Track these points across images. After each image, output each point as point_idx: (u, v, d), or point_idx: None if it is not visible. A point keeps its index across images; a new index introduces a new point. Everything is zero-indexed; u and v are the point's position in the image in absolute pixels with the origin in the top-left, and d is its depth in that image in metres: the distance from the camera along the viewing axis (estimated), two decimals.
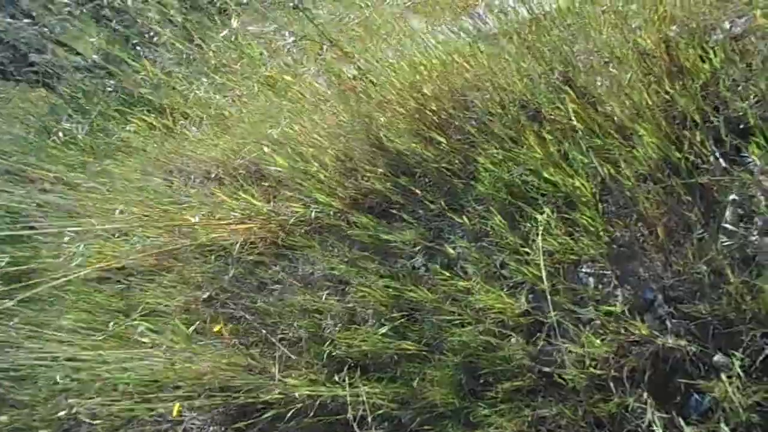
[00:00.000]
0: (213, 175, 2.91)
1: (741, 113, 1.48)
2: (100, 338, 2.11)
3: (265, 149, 2.18)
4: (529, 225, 1.76)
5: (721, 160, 1.51)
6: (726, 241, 1.44)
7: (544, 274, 1.61)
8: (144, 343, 1.97)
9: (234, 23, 2.29)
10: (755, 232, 1.45)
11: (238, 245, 2.38)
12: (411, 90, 2.07)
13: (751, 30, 1.55)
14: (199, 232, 2.39)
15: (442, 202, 1.97)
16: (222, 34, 2.55)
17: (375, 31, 2.31)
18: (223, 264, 2.57)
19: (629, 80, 1.67)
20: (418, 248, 2.03)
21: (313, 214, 2.23)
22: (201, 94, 2.76)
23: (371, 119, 2.14)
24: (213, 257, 2.49)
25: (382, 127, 2.10)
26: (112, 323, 2.16)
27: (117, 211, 2.64)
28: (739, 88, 1.50)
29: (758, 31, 1.52)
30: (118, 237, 2.68)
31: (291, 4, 2.09)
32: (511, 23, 2.03)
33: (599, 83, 1.79)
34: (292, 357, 2.05)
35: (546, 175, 1.70)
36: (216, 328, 2.14)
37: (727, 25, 1.64)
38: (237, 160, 2.58)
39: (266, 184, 2.54)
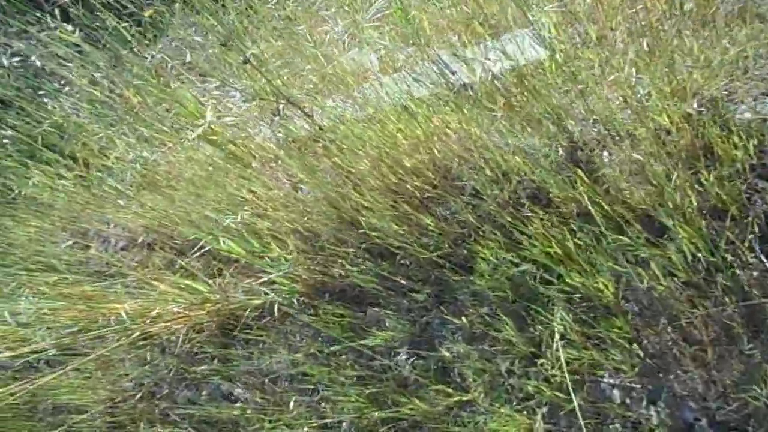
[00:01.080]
0: (140, 241, 2.47)
1: None
2: None
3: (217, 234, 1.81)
4: (540, 328, 1.51)
5: (763, 258, 1.33)
6: None
7: (569, 389, 1.37)
8: None
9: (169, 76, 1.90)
10: None
11: (180, 339, 1.99)
12: (386, 159, 1.77)
13: None
14: (130, 326, 1.97)
15: (431, 293, 1.69)
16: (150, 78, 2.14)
17: (338, 83, 2.00)
18: (159, 353, 2.16)
19: (649, 163, 1.47)
20: (401, 344, 1.74)
21: (269, 302, 1.88)
22: (122, 147, 2.32)
23: (339, 191, 1.82)
24: (147, 351, 2.08)
25: (350, 199, 1.79)
26: None
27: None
28: None
29: None
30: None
31: (241, 59, 1.73)
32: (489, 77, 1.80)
33: (610, 162, 1.58)
34: None
35: (560, 271, 1.46)
36: None
37: (752, 102, 1.47)
38: (174, 232, 2.18)
39: (212, 258, 2.15)
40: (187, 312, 1.95)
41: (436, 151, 1.76)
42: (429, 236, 1.71)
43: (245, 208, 1.92)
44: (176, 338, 2.02)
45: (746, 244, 1.34)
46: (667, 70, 1.55)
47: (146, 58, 1.91)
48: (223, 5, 2.00)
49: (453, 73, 1.97)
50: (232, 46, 1.75)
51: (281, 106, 1.90)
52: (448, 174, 1.75)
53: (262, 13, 2.23)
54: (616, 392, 1.46)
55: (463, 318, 1.57)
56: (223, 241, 1.76)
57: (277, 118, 1.89)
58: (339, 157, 1.85)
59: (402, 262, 1.77)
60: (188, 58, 1.89)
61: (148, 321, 1.91)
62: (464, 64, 1.85)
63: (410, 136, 1.77)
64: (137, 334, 1.96)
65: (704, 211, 1.40)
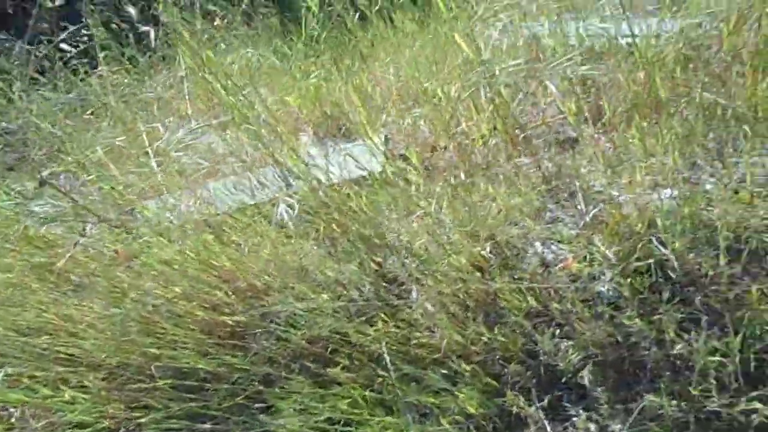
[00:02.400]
0: None
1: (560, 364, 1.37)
2: None
3: None
4: None
5: (540, 413, 1.38)
6: None
7: None
8: None
9: None
10: None
11: None
12: (199, 286, 1.69)
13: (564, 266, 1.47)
14: None
15: None
16: None
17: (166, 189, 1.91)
18: None
19: (447, 306, 1.50)
20: None
21: None
22: None
23: (147, 320, 1.71)
24: None
25: (156, 332, 1.68)
26: None
27: None
28: (555, 339, 1.40)
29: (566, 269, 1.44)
30: None
31: (38, 178, 1.60)
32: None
33: (417, 299, 1.60)
34: None
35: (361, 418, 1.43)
36: None
37: (539, 248, 1.56)
38: None
39: None
40: None
41: (250, 279, 1.71)
42: (240, 371, 1.63)
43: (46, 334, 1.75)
44: None
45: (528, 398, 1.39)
46: (467, 209, 1.61)
47: None
48: None
49: (288, 185, 1.96)
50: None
51: (89, 227, 1.77)
52: (262, 303, 1.70)
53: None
54: None
55: None
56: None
57: (82, 239, 1.75)
58: (152, 280, 1.75)
59: (209, 401, 1.67)
60: None
61: None
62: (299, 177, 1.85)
63: (224, 264, 1.70)
64: None
65: (495, 358, 1.45)
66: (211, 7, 2.23)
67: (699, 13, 1.77)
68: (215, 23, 2.20)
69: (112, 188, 1.91)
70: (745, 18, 1.67)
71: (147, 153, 2.18)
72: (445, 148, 2.03)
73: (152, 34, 2.07)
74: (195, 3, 2.14)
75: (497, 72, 1.55)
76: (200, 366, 1.60)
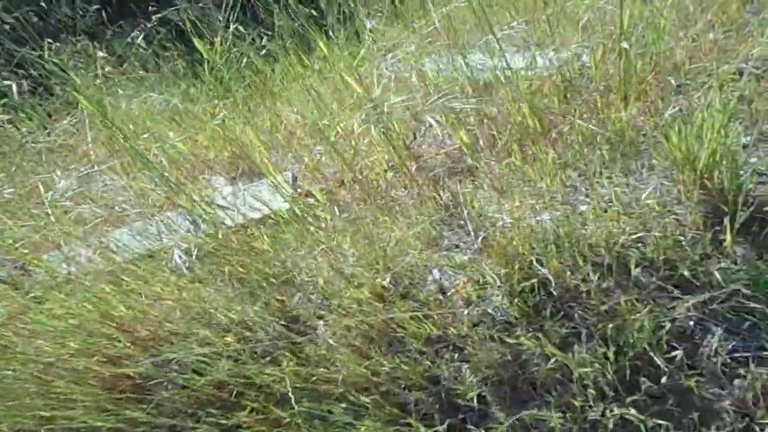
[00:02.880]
0: None
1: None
2: None
3: None
4: None
5: None
6: None
7: None
8: None
9: None
10: None
11: None
12: (92, 346, 1.63)
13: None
14: None
15: None
16: None
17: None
18: None
19: (348, 342, 1.52)
20: None
21: None
22: None
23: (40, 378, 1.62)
24: None
25: (50, 393, 1.60)
26: None
27: None
28: (454, 362, 1.44)
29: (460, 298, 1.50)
30: None
31: None
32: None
33: (323, 334, 1.61)
34: None
35: None
36: None
37: (437, 274, 1.61)
38: None
39: None
40: None
41: (151, 328, 1.66)
42: (143, 425, 1.57)
43: None
44: None
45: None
46: (367, 241, 1.65)
47: None
48: None
49: (197, 227, 1.94)
50: None
51: None
52: (164, 352, 1.65)
53: None
54: None
55: None
56: None
57: None
58: (45, 336, 1.67)
59: None
60: None
61: None
62: (204, 219, 1.83)
63: (123, 313, 1.65)
64: None
65: (399, 387, 1.47)
66: (101, 54, 2.20)
67: (569, 46, 1.93)
68: (106, 69, 2.17)
69: (2, 242, 1.82)
70: (609, 51, 1.83)
71: (43, 203, 2.10)
72: (352, 181, 2.08)
73: (14, 89, 2.02)
74: (88, 49, 2.11)
75: (385, 109, 1.62)
76: (99, 423, 1.53)
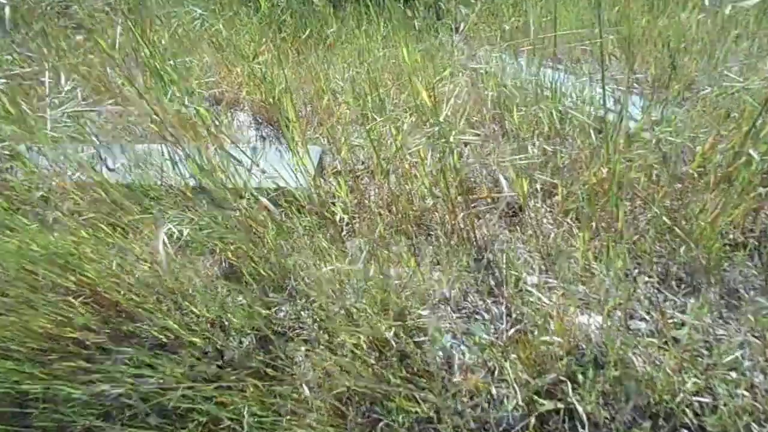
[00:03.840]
0: None
1: None
2: None
3: None
4: None
5: None
6: None
7: None
8: None
9: None
10: None
11: None
12: None
13: None
14: None
15: None
16: None
17: None
18: None
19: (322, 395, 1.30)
20: None
21: None
22: None
23: None
24: None
25: None
26: None
27: None
28: None
29: None
30: None
31: None
32: None
33: (302, 362, 1.39)
34: None
35: None
36: None
37: (449, 340, 1.38)
38: None
39: None
40: None
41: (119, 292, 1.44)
42: None
43: None
44: None
45: None
46: (382, 276, 1.42)
47: None
48: None
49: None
50: None
51: None
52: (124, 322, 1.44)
53: None
54: None
55: None
56: None
57: None
58: None
59: None
60: None
61: None
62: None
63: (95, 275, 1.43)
64: None
65: None
66: None
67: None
68: None
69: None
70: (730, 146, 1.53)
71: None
72: (380, 185, 1.83)
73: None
74: None
75: (451, 138, 1.34)
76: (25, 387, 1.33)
